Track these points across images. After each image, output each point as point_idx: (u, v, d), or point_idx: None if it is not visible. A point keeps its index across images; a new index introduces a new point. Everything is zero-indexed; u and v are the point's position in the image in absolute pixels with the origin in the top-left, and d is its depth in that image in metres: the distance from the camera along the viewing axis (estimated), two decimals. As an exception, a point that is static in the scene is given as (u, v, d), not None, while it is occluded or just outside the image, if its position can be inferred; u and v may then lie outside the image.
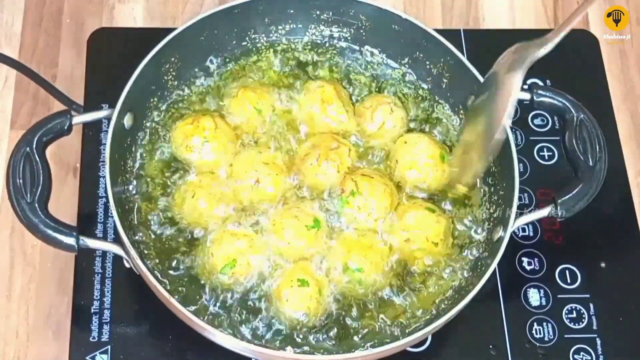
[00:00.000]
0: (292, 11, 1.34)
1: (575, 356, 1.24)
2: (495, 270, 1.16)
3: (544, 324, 1.26)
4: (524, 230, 1.32)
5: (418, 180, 1.26)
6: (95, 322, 1.22)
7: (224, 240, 1.19)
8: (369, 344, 1.17)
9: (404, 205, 1.24)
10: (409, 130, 1.31)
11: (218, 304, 1.19)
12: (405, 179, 1.26)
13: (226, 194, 1.23)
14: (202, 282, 1.20)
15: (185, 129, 1.26)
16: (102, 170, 1.30)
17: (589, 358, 1.24)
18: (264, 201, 1.23)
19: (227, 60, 1.34)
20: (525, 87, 1.27)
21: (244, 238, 1.20)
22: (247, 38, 1.34)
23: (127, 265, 1.16)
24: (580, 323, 1.27)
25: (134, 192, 1.24)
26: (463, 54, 1.29)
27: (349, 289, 1.20)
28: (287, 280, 1.18)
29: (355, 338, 1.18)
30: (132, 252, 1.13)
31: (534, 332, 1.26)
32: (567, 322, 1.27)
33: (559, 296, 1.28)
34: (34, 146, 1.15)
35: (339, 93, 1.30)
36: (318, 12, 1.34)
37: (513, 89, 1.14)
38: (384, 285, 1.21)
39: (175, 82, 1.30)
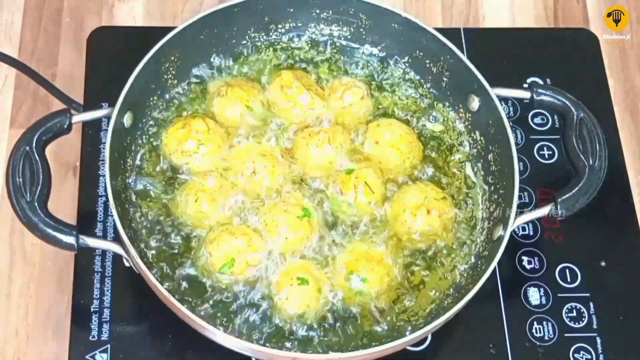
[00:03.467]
0: (291, 10, 1.33)
1: (575, 355, 1.24)
2: (495, 269, 1.16)
3: (544, 323, 1.26)
4: (524, 229, 1.32)
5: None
6: (95, 321, 1.22)
7: (222, 239, 1.19)
8: (368, 343, 1.17)
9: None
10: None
11: (218, 303, 1.19)
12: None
13: (227, 193, 1.23)
14: (202, 281, 1.20)
15: (177, 134, 1.25)
16: (102, 169, 1.30)
17: (589, 357, 1.24)
18: (260, 193, 1.24)
19: (227, 59, 1.34)
20: (525, 85, 1.27)
21: (242, 237, 1.20)
22: (246, 37, 1.34)
23: (126, 264, 1.16)
24: (580, 322, 1.27)
25: (133, 191, 1.24)
26: (463, 53, 1.29)
27: (350, 295, 1.20)
28: (286, 279, 1.18)
29: (355, 336, 1.18)
30: (132, 250, 1.12)
31: (534, 331, 1.26)
32: (567, 321, 1.27)
33: (559, 295, 1.28)
34: (34, 145, 1.15)
35: (300, 78, 1.30)
36: (318, 11, 1.34)
37: None
38: (386, 296, 1.21)
39: (175, 81, 1.30)
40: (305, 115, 1.29)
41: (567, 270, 1.30)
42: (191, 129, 1.25)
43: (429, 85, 1.34)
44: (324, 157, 1.26)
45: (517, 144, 1.31)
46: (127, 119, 1.22)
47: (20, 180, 1.13)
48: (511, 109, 1.40)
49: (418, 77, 1.34)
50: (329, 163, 1.26)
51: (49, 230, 1.12)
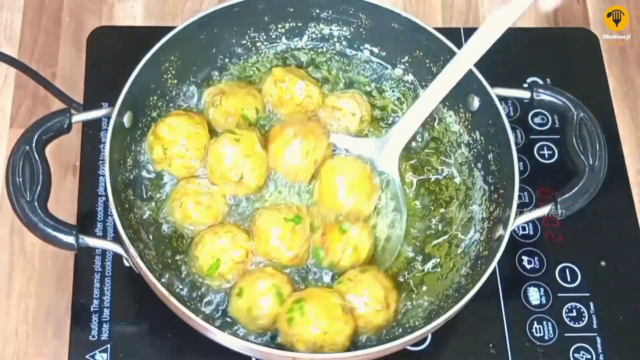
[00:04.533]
0: (291, 10, 1.33)
1: (576, 355, 1.24)
2: (495, 269, 1.16)
3: (544, 322, 1.26)
4: (524, 229, 1.32)
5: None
6: (94, 320, 1.22)
7: (206, 241, 1.19)
8: (368, 343, 1.17)
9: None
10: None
11: (217, 303, 1.19)
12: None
13: (213, 195, 1.23)
14: (200, 280, 1.20)
15: (153, 153, 1.24)
16: (102, 169, 1.30)
17: (589, 357, 1.24)
18: (249, 194, 1.24)
19: (227, 59, 1.34)
20: (525, 85, 1.27)
21: (225, 235, 1.18)
22: (246, 37, 1.34)
23: (126, 263, 1.16)
24: (580, 322, 1.27)
25: (133, 190, 1.24)
26: (463, 53, 1.29)
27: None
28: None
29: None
30: (132, 250, 1.12)
31: (534, 330, 1.26)
32: (567, 320, 1.27)
33: (559, 295, 1.28)
34: (34, 145, 1.15)
35: (292, 72, 1.30)
36: (318, 11, 1.33)
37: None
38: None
39: (175, 81, 1.30)
40: (304, 104, 1.29)
41: (567, 270, 1.30)
42: (165, 155, 1.23)
43: (428, 85, 1.34)
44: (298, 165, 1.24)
45: (517, 143, 1.31)
46: (127, 119, 1.22)
47: (20, 180, 1.13)
48: (511, 108, 1.40)
49: (418, 77, 1.34)
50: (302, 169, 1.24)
51: (49, 230, 1.12)
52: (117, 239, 1.16)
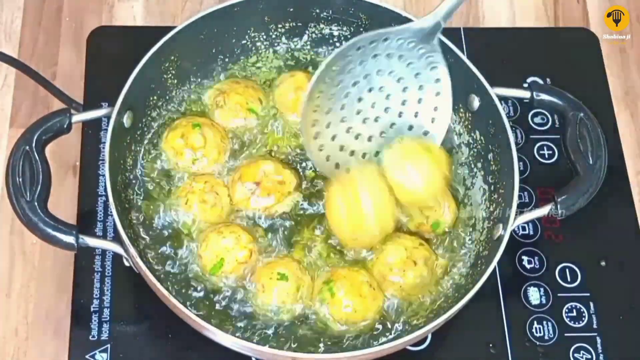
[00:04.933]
0: (291, 9, 1.33)
1: (575, 355, 1.24)
2: (495, 268, 1.16)
3: (544, 322, 1.26)
4: (524, 228, 1.32)
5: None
6: (94, 320, 1.22)
7: (210, 240, 1.19)
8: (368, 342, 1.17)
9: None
10: None
11: (217, 303, 1.19)
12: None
13: (219, 194, 1.23)
14: (201, 280, 1.20)
15: (175, 144, 1.25)
16: (102, 169, 1.30)
17: (589, 357, 1.24)
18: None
19: (227, 60, 1.34)
20: (525, 85, 1.27)
21: (230, 235, 1.19)
22: (246, 37, 1.34)
23: (126, 263, 1.16)
24: (580, 322, 1.27)
25: (133, 190, 1.24)
26: (463, 53, 1.28)
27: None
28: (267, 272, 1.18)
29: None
30: (132, 250, 1.13)
31: (534, 330, 1.26)
32: (567, 320, 1.27)
33: (559, 295, 1.28)
34: (34, 145, 1.15)
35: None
36: (318, 11, 1.33)
37: None
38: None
39: (175, 81, 1.30)
40: None
41: (567, 270, 1.30)
42: (188, 143, 1.25)
43: (428, 85, 1.34)
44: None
45: (517, 143, 1.31)
46: (127, 119, 1.22)
47: (20, 180, 1.13)
48: (511, 108, 1.40)
49: (418, 77, 1.34)
50: None
51: (49, 230, 1.12)
52: (117, 239, 1.17)
